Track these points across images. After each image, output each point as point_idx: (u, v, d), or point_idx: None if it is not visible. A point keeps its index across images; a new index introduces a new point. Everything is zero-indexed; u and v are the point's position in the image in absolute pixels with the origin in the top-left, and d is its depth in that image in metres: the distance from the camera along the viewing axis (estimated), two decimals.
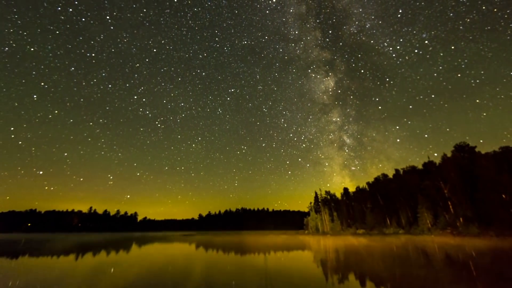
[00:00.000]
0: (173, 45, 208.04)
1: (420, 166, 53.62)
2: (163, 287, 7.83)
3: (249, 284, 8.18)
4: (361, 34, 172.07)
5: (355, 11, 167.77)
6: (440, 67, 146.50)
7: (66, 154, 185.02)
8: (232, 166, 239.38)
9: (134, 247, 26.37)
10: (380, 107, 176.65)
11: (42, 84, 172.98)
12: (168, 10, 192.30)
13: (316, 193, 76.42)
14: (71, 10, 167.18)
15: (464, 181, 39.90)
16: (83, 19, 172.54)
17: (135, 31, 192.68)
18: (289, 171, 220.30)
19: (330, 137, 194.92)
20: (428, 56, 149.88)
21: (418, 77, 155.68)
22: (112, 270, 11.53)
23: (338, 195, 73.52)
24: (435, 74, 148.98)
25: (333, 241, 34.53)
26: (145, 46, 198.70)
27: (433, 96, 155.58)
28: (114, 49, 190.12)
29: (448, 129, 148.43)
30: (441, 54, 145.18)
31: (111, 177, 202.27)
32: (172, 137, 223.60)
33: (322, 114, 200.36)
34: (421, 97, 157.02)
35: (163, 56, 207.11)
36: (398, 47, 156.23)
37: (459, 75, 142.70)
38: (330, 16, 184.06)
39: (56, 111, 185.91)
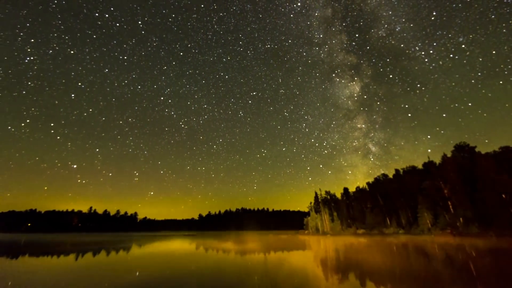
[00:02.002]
0: (198, 48, 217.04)
1: (420, 166, 53.68)
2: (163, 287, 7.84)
3: (249, 284, 8.18)
4: (390, 37, 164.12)
5: (384, 13, 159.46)
6: (479, 73, 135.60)
7: (97, 150, 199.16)
8: (252, 169, 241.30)
9: (137, 248, 26.38)
10: (409, 115, 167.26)
11: (79, 84, 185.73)
12: (195, 15, 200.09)
13: (316, 193, 76.40)
14: (107, 16, 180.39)
15: (464, 181, 39.90)
16: (117, 24, 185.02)
17: (164, 36, 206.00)
18: (310, 177, 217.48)
19: (354, 144, 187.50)
20: (465, 61, 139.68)
21: (453, 84, 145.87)
22: (113, 270, 11.53)
23: (338, 195, 73.56)
24: (472, 81, 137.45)
25: (332, 241, 34.53)
26: (172, 49, 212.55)
27: (470, 104, 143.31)
28: (144, 53, 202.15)
29: (486, 141, 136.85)
30: (480, 59, 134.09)
31: (137, 174, 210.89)
32: (194, 137, 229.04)
33: (346, 120, 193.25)
34: (456, 105, 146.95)
35: (189, 59, 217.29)
36: (431, 52, 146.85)
37: (500, 82, 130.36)
38: (357, 19, 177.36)
39: (91, 110, 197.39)
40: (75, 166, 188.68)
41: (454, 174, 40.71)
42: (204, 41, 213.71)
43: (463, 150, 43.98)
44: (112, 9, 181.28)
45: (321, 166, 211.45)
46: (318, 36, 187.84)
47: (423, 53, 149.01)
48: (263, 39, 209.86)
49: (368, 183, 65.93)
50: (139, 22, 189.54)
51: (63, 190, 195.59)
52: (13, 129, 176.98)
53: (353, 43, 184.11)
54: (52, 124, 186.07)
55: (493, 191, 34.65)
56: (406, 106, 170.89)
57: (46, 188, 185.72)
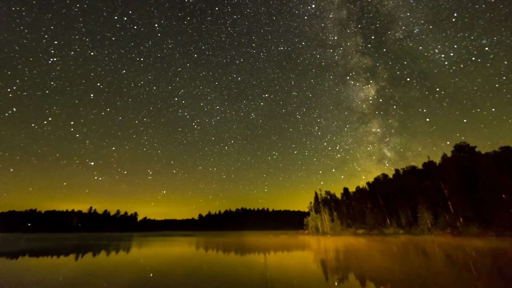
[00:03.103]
0: (212, 50, 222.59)
1: (420, 166, 53.68)
2: (164, 287, 7.84)
3: (249, 284, 8.18)
4: (407, 39, 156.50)
5: (401, 15, 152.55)
6: (504, 77, 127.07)
7: (114, 148, 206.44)
8: (263, 171, 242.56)
9: (141, 247, 26.37)
10: (428, 119, 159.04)
11: (98, 84, 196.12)
12: (210, 18, 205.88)
13: (316, 193, 76.42)
14: (125, 19, 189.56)
15: (464, 181, 39.90)
16: (135, 27, 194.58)
17: (179, 38, 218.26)
18: (322, 181, 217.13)
19: (369, 148, 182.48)
20: (488, 65, 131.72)
21: (475, 88, 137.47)
22: (114, 270, 11.53)
23: (338, 195, 73.58)
24: (496, 85, 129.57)
25: (332, 241, 34.53)
26: (187, 51, 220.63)
27: (493, 109, 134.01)
28: (160, 54, 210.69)
29: None
30: (505, 63, 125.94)
31: (151, 173, 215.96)
32: (206, 138, 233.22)
33: (360, 123, 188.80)
34: (478, 110, 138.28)
35: (203, 61, 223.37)
36: (451, 54, 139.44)
37: None
38: (373, 21, 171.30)
39: (108, 109, 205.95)
40: (92, 163, 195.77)
41: (454, 174, 40.70)
42: (218, 43, 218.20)
43: (463, 150, 43.97)
44: (130, 12, 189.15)
45: (333, 170, 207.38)
46: (333, 38, 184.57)
47: (442, 55, 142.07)
48: (276, 41, 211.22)
49: (368, 183, 65.94)
50: (156, 25, 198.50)
51: (80, 186, 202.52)
52: (36, 127, 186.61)
53: (369, 45, 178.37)
54: (72, 123, 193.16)
55: (493, 191, 34.65)
56: (424, 110, 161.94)
57: (65, 183, 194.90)
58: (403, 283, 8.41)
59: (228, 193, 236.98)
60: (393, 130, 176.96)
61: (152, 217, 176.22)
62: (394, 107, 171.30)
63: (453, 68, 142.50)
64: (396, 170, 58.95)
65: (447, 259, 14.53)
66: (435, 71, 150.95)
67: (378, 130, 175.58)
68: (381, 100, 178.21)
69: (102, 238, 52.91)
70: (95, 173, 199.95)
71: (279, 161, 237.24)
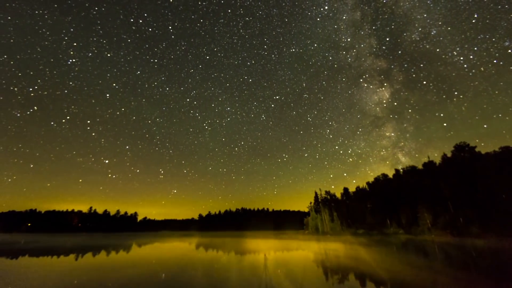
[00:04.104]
0: (224, 52, 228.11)
1: (420, 166, 53.68)
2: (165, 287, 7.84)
3: (249, 284, 8.17)
4: (424, 41, 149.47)
5: (418, 16, 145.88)
6: None
7: (127, 147, 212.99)
8: (272, 174, 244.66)
9: (143, 248, 26.34)
10: (445, 124, 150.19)
11: (114, 85, 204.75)
12: (222, 20, 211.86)
13: (316, 193, 76.41)
14: (141, 21, 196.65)
15: (464, 181, 39.88)
16: (150, 29, 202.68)
17: (192, 40, 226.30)
18: (333, 185, 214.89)
19: (382, 153, 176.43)
20: (511, 68, 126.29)
21: (496, 92, 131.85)
22: (116, 269, 11.52)
23: (338, 195, 73.54)
24: None
25: (332, 242, 34.44)
26: (199, 53, 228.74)
27: None
28: (173, 56, 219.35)
29: None
30: None
31: (162, 172, 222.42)
32: (217, 139, 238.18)
33: (374, 127, 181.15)
34: (499, 115, 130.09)
35: (215, 63, 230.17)
36: (471, 57, 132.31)
37: None
38: (388, 23, 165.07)
39: (123, 109, 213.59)
40: (107, 161, 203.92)
41: (454, 174, 40.69)
42: (229, 45, 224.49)
43: (463, 150, 43.96)
44: (145, 15, 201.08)
45: (345, 174, 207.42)
46: (346, 40, 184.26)
47: (461, 58, 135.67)
48: (288, 43, 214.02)
49: (368, 183, 65.92)
50: (170, 27, 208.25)
51: (95, 183, 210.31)
52: (55, 125, 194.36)
53: (383, 47, 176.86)
54: (88, 121, 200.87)
55: (493, 191, 34.63)
56: (441, 115, 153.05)
57: (80, 180, 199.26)
58: (403, 283, 8.40)
59: (237, 194, 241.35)
60: (408, 135, 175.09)
61: (152, 217, 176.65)
62: (410, 111, 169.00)
63: (473, 71, 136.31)
64: (396, 170, 58.97)
65: (447, 259, 14.51)
66: (453, 74, 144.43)
67: (392, 134, 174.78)
68: (395, 104, 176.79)
69: (105, 238, 52.86)
70: (109, 171, 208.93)
71: (289, 164, 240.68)
